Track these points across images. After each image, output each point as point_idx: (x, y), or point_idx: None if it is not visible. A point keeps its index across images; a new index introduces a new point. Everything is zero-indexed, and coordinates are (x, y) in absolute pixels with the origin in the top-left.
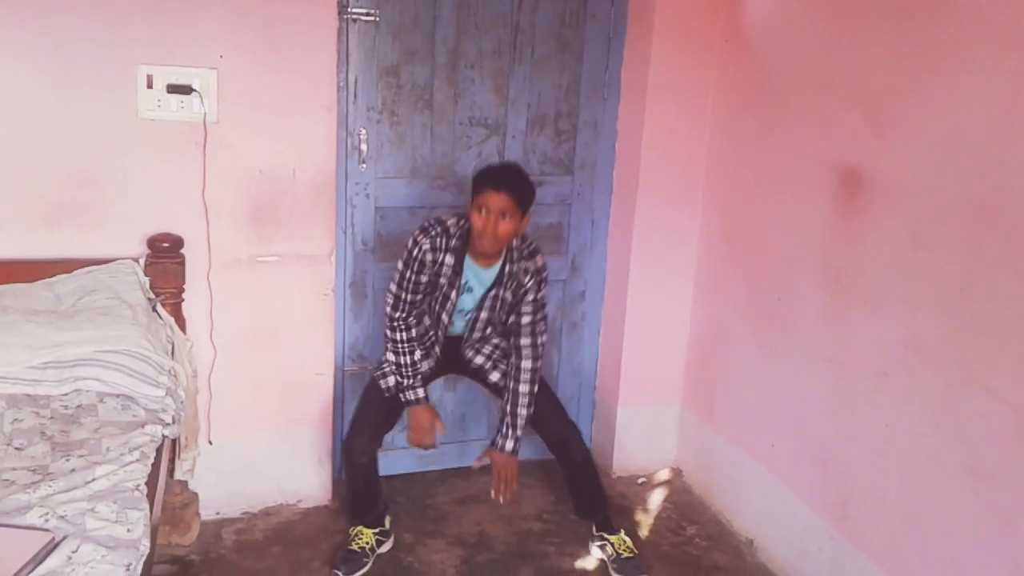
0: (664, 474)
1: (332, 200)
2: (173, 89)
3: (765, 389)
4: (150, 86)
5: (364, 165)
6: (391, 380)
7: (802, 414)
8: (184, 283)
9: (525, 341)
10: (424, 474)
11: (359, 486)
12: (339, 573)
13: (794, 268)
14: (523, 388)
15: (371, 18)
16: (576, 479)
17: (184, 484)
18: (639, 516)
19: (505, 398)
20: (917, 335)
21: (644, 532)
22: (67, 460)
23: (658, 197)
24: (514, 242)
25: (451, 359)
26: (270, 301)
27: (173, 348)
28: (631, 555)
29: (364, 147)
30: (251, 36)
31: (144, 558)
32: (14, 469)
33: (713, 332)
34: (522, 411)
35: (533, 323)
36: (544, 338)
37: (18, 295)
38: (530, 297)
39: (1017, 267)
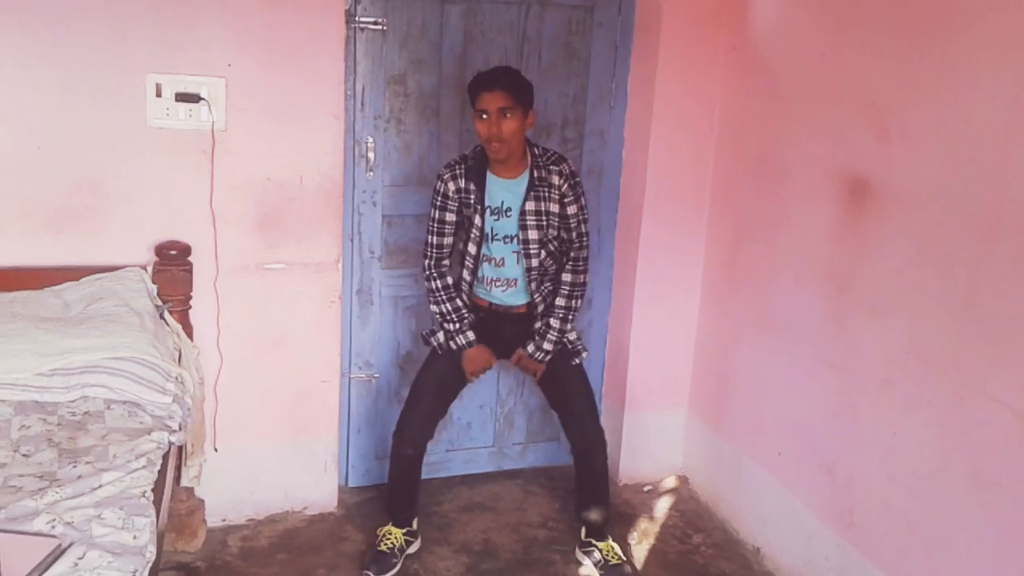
0: (670, 482)
1: (339, 208)
2: (181, 98)
3: (771, 396)
4: (159, 95)
5: (371, 173)
6: (440, 335)
7: (808, 422)
8: (191, 290)
9: (577, 254)
10: (429, 481)
11: (399, 478)
12: (370, 573)
13: (800, 275)
14: (560, 301)
15: (378, 27)
16: (588, 486)
17: (190, 491)
18: (645, 524)
19: (548, 311)
20: (922, 343)
21: (650, 540)
22: (74, 467)
23: (664, 205)
24: (536, 149)
25: (508, 333)
26: (277, 308)
27: (180, 355)
28: (618, 561)
29: (371, 155)
30: (259, 45)
31: (150, 565)
32: (21, 475)
33: (720, 339)
34: (555, 323)
35: (582, 234)
36: (586, 252)
37: (26, 302)
38: (572, 209)
39: (1022, 275)
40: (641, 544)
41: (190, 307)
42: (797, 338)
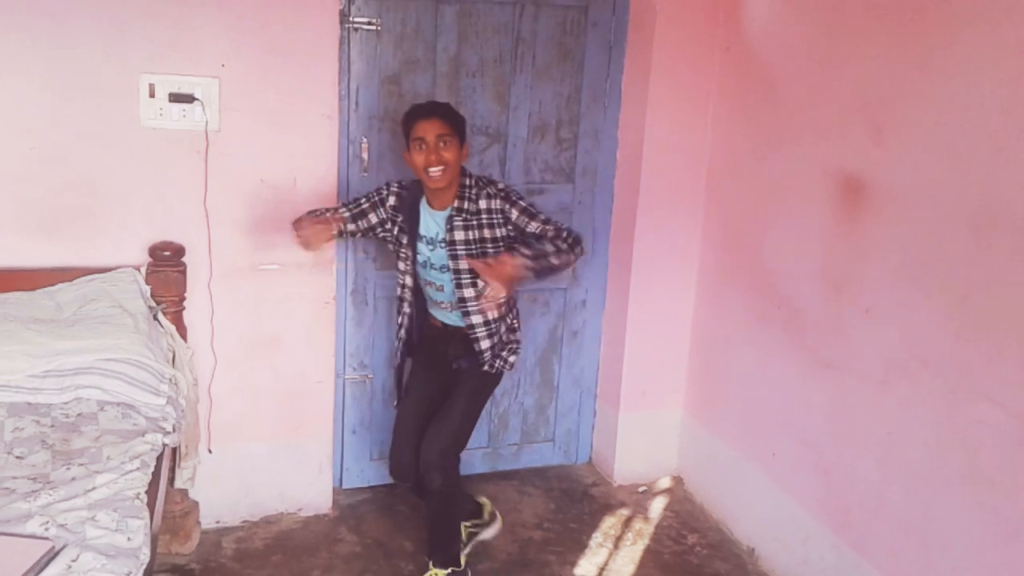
0: (665, 482)
1: None
2: (175, 98)
3: (766, 396)
4: (152, 95)
5: (366, 174)
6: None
7: (803, 422)
8: (185, 291)
9: (551, 233)
10: None
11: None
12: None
13: (795, 275)
14: (548, 247)
15: (372, 27)
16: (428, 506)
17: (184, 493)
18: (640, 524)
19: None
20: (918, 343)
21: (645, 541)
22: (68, 469)
23: (659, 205)
24: (466, 180)
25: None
26: (271, 309)
27: (174, 356)
28: None
29: (365, 156)
30: (253, 45)
31: (144, 567)
32: (14, 478)
33: (714, 340)
34: (544, 247)
35: (544, 221)
36: (564, 232)
37: (19, 303)
38: (515, 215)
39: (1017, 275)
40: (636, 544)
41: (184, 308)
42: (792, 338)
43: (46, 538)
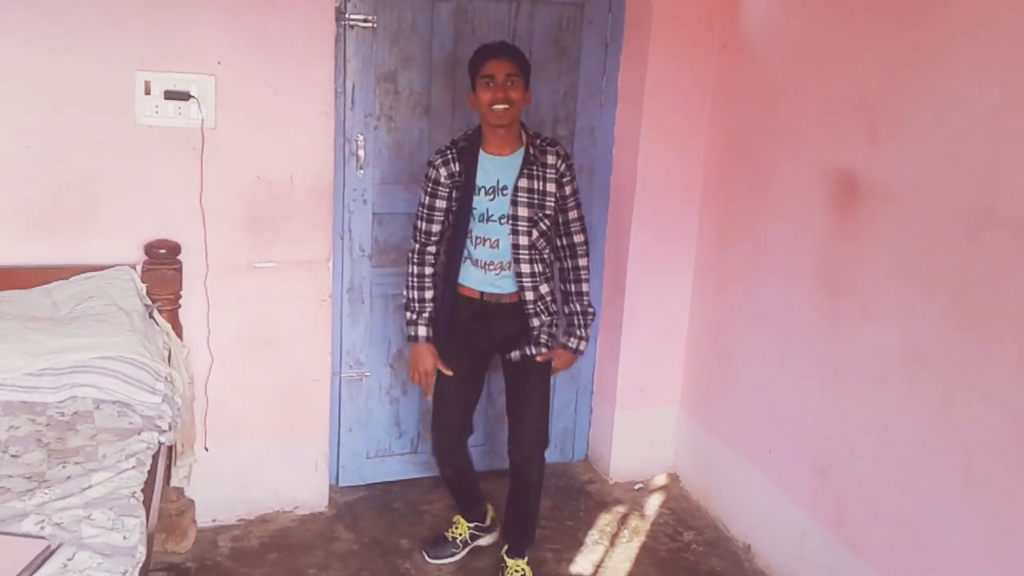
0: (661, 479)
1: (330, 206)
2: (171, 95)
3: (762, 394)
4: (148, 92)
5: (362, 171)
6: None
7: (799, 419)
8: (181, 289)
9: (578, 238)
10: (420, 480)
11: (452, 490)
12: (425, 553)
13: (791, 274)
14: (584, 287)
15: (368, 24)
16: (515, 503)
17: (180, 491)
18: (636, 522)
19: (568, 300)
20: (914, 341)
21: (641, 538)
22: (63, 467)
23: (655, 203)
24: (530, 131)
25: (499, 333)
26: (267, 307)
27: (170, 354)
28: None
29: (362, 153)
30: (249, 42)
31: (140, 566)
32: (10, 476)
33: (711, 337)
34: (590, 309)
35: (580, 217)
36: (586, 235)
37: (15, 301)
38: (569, 190)
39: (1013, 273)
40: (632, 542)
41: (180, 306)
42: (788, 336)
43: (42, 537)
